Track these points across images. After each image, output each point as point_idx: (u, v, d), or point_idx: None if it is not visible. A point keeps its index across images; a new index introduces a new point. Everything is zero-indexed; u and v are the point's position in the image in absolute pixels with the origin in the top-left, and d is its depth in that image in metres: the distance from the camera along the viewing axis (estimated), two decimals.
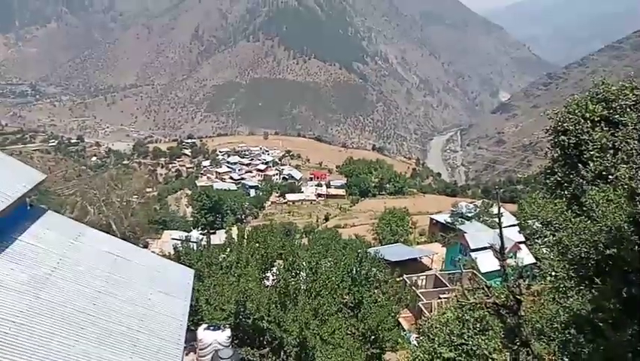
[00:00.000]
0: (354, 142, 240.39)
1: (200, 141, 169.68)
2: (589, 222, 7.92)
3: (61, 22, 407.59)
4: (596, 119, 11.85)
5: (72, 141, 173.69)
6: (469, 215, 48.71)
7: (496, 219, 7.39)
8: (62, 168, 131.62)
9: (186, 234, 56.53)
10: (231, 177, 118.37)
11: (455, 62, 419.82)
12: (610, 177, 10.09)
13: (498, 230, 7.08)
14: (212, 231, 57.91)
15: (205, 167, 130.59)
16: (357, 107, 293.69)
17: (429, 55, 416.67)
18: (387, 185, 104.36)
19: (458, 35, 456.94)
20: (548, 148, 13.15)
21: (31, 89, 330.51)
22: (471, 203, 55.19)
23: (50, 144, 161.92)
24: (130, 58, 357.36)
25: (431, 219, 57.83)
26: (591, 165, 10.79)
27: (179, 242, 20.34)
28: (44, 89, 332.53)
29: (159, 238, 61.61)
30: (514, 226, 31.72)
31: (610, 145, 11.05)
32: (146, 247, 58.47)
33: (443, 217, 53.20)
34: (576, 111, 12.12)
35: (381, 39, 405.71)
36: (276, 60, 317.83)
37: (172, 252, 17.92)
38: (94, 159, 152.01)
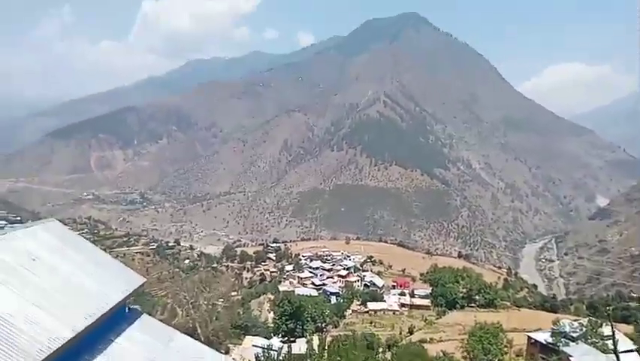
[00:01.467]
0: (439, 248, 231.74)
1: (285, 245, 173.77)
2: None
3: (170, 138, 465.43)
4: None
5: (169, 244, 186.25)
6: (574, 335, 42.91)
7: (609, 342, 6.50)
8: (158, 269, 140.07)
9: (267, 341, 55.71)
10: (313, 283, 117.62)
11: (543, 167, 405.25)
12: None
13: (612, 355, 6.99)
14: (292, 339, 56.51)
15: (288, 271, 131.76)
16: (440, 213, 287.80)
17: (514, 160, 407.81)
18: (477, 296, 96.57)
19: (544, 140, 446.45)
20: None
21: (140, 197, 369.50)
22: (575, 321, 48.91)
23: (151, 247, 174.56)
24: (226, 168, 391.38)
25: (529, 337, 51.55)
26: None
27: (260, 350, 20.13)
28: (151, 197, 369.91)
29: (240, 344, 61.09)
30: (632, 351, 27.41)
31: None
32: (227, 352, 58.10)
33: (543, 336, 47.28)
34: None
35: (462, 145, 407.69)
36: (358, 167, 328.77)
37: (253, 360, 17.71)
38: (187, 261, 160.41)
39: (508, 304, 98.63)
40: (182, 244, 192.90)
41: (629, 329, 52.57)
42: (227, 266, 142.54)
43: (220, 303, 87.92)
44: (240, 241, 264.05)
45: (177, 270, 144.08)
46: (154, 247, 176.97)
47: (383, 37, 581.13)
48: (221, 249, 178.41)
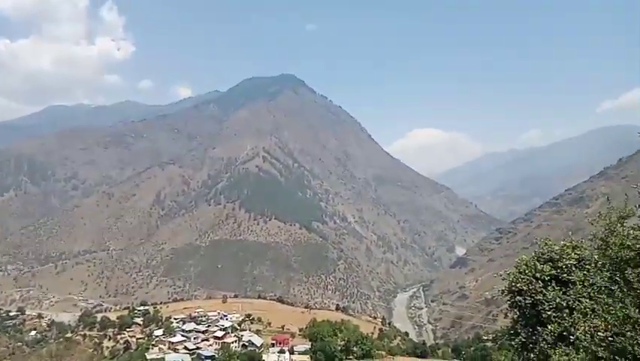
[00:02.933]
0: (317, 302, 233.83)
1: (154, 307, 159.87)
2: None
3: (19, 190, 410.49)
4: (546, 279, 12.35)
5: (10, 314, 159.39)
6: None
7: None
8: None
9: None
10: (186, 347, 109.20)
11: (410, 220, 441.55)
12: (571, 337, 10.15)
13: None
14: None
15: (157, 337, 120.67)
16: (318, 266, 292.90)
17: (384, 213, 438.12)
18: (354, 348, 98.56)
19: (410, 195, 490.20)
20: (507, 309, 13.29)
21: None
22: None
23: None
24: (87, 224, 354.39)
25: None
26: (550, 326, 10.90)
27: None
28: None
29: None
30: None
31: (564, 304, 11.35)
32: None
33: None
34: (527, 271, 12.66)
35: (338, 200, 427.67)
36: (237, 222, 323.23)
37: None
38: (33, 333, 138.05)
39: (384, 353, 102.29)
40: (27, 313, 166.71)
41: None
42: (85, 335, 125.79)
43: None
44: (102, 305, 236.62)
45: (20, 344, 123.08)
46: None
47: (262, 95, 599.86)
48: (77, 316, 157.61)
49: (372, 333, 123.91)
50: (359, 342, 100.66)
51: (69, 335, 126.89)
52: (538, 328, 11.42)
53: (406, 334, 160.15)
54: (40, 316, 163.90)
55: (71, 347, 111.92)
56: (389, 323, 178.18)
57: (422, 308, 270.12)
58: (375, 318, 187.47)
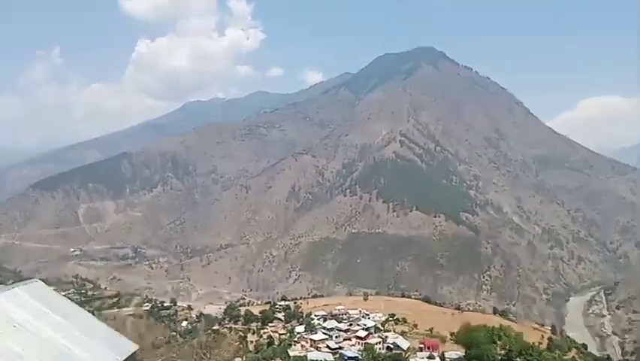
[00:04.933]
0: (470, 304, 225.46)
1: (294, 303, 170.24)
2: None
3: (166, 186, 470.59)
4: None
5: (165, 305, 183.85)
6: None
7: None
8: (153, 334, 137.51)
9: None
10: (328, 346, 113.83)
11: (583, 209, 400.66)
12: None
13: None
14: None
15: (299, 333, 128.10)
16: (470, 263, 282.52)
17: (550, 201, 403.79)
18: (518, 359, 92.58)
19: (582, 179, 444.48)
20: None
21: (132, 252, 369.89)
22: None
23: (144, 308, 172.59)
24: (227, 218, 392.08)
25: None
26: None
27: None
28: (145, 251, 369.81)
29: None
30: None
31: None
32: None
33: None
34: None
35: (490, 187, 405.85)
36: (375, 214, 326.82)
37: None
38: (184, 323, 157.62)
39: None
40: (179, 304, 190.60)
41: None
42: (230, 328, 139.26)
43: None
44: (244, 299, 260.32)
45: (174, 333, 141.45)
46: (148, 307, 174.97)
47: (397, 73, 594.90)
48: (223, 308, 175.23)
49: (540, 343, 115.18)
50: (523, 352, 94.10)
51: (216, 327, 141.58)
52: None
53: (584, 346, 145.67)
54: (189, 307, 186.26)
55: (219, 339, 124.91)
56: (561, 332, 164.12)
57: (604, 316, 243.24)
58: (542, 325, 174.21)
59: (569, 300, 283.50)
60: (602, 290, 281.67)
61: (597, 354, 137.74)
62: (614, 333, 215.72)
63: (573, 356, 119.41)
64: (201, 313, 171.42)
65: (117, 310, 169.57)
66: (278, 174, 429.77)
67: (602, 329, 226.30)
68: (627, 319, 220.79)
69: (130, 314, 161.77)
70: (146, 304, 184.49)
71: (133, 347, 16.83)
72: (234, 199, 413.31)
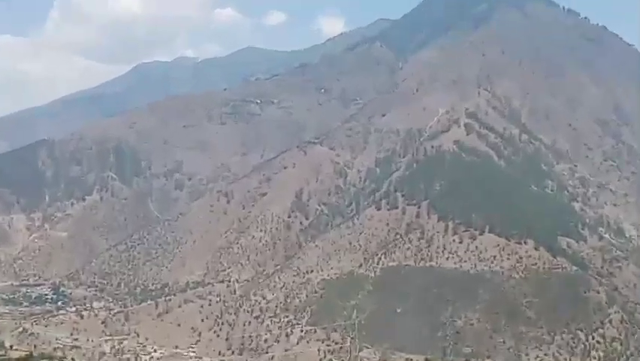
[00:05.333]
0: None
1: None
2: None
3: (105, 192, 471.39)
4: None
5: None
6: None
7: None
8: None
9: None
10: None
11: None
12: None
13: None
14: None
15: None
16: (572, 316, 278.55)
17: None
18: None
19: None
20: None
21: (52, 291, 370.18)
22: None
23: None
24: (198, 241, 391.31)
25: None
26: None
27: None
28: (71, 291, 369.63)
29: None
30: None
31: None
32: None
33: None
34: None
35: (606, 197, 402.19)
36: (425, 237, 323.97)
37: None
38: None
39: None
40: None
41: None
42: None
43: None
44: None
45: None
46: None
47: (462, 20, 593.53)
48: None
49: None
50: None
51: None
52: None
53: None
54: None
55: None
56: None
57: None
58: None
59: None
60: None
61: None
62: None
63: None
64: None
65: None
66: (276, 175, 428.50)
67: None
68: None
69: None
70: None
71: None
72: (208, 213, 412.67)
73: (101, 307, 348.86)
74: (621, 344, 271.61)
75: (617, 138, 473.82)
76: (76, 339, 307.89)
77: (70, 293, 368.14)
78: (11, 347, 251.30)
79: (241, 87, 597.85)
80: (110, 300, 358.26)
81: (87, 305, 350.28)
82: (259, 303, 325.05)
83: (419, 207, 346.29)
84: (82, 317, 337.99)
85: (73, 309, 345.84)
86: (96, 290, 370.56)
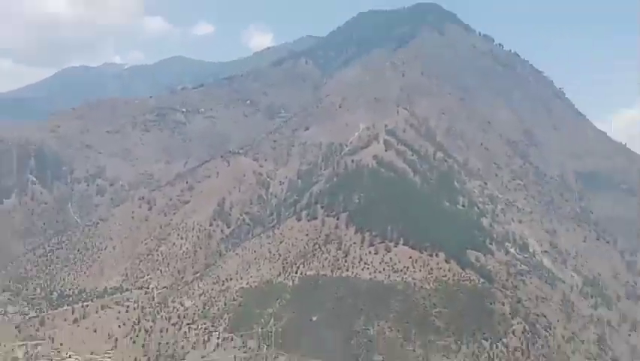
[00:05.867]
0: None
1: None
2: None
3: (24, 195, 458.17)
4: None
5: None
6: None
7: None
8: None
9: None
10: None
11: None
12: None
13: None
14: None
15: None
16: (478, 326, 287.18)
17: (597, 238, 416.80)
18: None
19: None
20: None
21: None
22: None
23: None
24: (117, 247, 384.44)
25: None
26: None
27: None
28: None
29: None
30: None
31: None
32: None
33: None
34: None
35: (513, 213, 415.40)
36: (342, 248, 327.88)
37: None
38: None
39: None
40: None
41: None
42: None
43: None
44: None
45: None
46: None
47: (384, 40, 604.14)
48: None
49: None
50: None
51: None
52: None
53: None
54: None
55: None
56: None
57: None
58: None
59: None
60: None
61: None
62: None
63: None
64: None
65: None
66: (199, 183, 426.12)
67: None
68: None
69: None
70: None
71: None
72: (129, 219, 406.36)
73: (15, 312, 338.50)
74: (522, 354, 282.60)
75: (525, 158, 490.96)
76: None
77: None
78: None
79: (167, 96, 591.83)
80: (25, 304, 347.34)
81: (0, 310, 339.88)
82: (177, 310, 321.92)
83: (338, 219, 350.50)
84: None
85: None
86: (11, 295, 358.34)
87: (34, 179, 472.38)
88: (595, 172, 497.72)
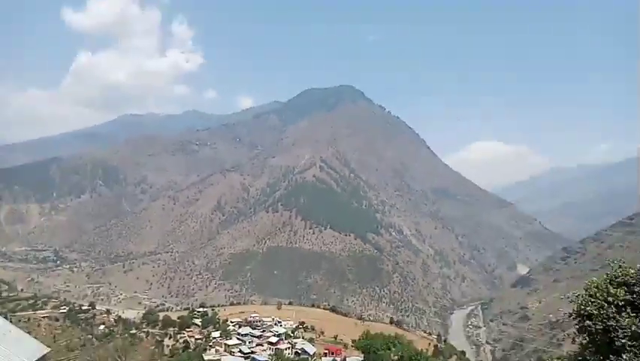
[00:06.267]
0: (371, 314, 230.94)
1: (212, 310, 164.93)
2: None
3: (94, 193, 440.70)
4: (620, 304, 11.44)
5: (83, 308, 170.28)
6: None
7: None
8: (68, 336, 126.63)
9: None
10: (241, 351, 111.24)
11: (469, 235, 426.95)
12: None
13: None
14: None
15: (214, 338, 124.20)
16: (372, 278, 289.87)
17: (442, 227, 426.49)
18: None
19: (469, 210, 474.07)
20: (575, 333, 12.43)
21: (54, 255, 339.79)
22: None
23: (61, 311, 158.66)
24: (153, 227, 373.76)
25: None
26: (624, 356, 10.06)
27: None
28: (66, 255, 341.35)
29: None
30: None
31: None
32: None
33: None
34: (598, 295, 11.80)
35: (394, 212, 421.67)
36: (293, 230, 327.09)
37: None
38: (102, 327, 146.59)
39: None
40: (97, 308, 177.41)
41: None
42: (147, 333, 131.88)
43: None
44: (164, 304, 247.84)
45: (90, 337, 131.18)
46: (64, 310, 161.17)
47: (321, 106, 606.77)
48: (141, 313, 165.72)
49: (427, 350, 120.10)
50: (413, 358, 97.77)
51: (133, 331, 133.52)
52: (611, 357, 10.58)
53: (463, 353, 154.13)
54: (108, 311, 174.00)
55: (135, 343, 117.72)
56: (445, 341, 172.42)
57: (480, 327, 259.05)
58: (430, 334, 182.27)
59: (453, 313, 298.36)
60: (480, 305, 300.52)
61: (473, 359, 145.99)
62: (487, 342, 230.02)
63: None
64: (119, 317, 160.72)
65: (32, 312, 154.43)
66: (206, 188, 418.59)
67: (478, 338, 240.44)
68: (498, 330, 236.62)
69: (45, 317, 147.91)
70: (64, 307, 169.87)
71: (43, 350, 15.72)
72: (161, 209, 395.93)
73: (86, 266, 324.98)
74: (398, 295, 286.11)
75: (401, 179, 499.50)
76: (68, 286, 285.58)
77: (66, 256, 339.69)
78: (22, 290, 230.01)
79: (187, 134, 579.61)
80: (93, 261, 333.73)
81: (77, 265, 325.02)
82: (190, 266, 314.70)
83: (291, 213, 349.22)
84: (73, 271, 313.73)
85: (67, 267, 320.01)
86: (84, 255, 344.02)
87: (101, 183, 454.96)
88: (442, 188, 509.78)
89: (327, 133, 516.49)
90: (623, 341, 10.64)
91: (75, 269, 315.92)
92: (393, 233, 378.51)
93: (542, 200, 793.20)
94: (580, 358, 12.16)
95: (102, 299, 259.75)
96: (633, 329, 10.69)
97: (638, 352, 10.01)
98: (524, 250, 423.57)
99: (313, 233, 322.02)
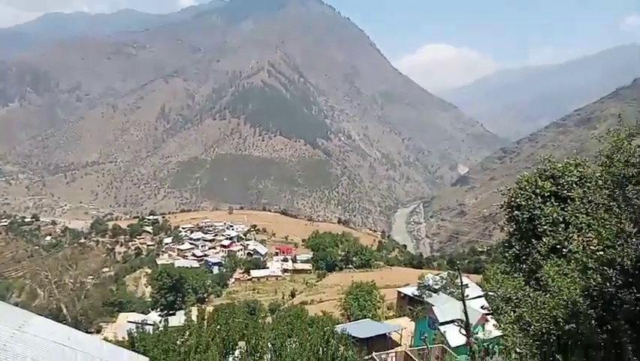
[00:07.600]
0: (320, 215, 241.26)
1: (163, 217, 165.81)
2: (547, 296, 8.00)
3: (24, 101, 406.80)
4: (546, 195, 12.44)
5: (26, 220, 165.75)
6: (436, 287, 47.97)
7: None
8: (13, 248, 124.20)
9: (144, 316, 53.31)
10: (194, 254, 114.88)
11: (415, 138, 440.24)
12: (563, 250, 10.44)
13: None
14: (171, 312, 54.67)
15: (167, 244, 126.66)
16: (322, 182, 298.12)
17: (389, 132, 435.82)
18: (354, 258, 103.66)
19: (416, 113, 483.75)
20: (504, 223, 13.58)
21: None
22: (437, 275, 54.69)
23: (2, 224, 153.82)
24: (93, 136, 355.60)
25: (399, 292, 56.72)
26: (545, 239, 11.16)
27: (134, 326, 19.07)
28: (1, 167, 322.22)
29: (114, 322, 57.68)
30: (480, 297, 31.69)
31: (561, 219, 11.53)
32: (99, 331, 54.49)
33: (411, 290, 52.41)
34: (527, 187, 12.73)
35: (343, 117, 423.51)
36: (242, 137, 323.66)
37: (126, 337, 16.86)
38: (48, 238, 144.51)
39: (382, 263, 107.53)
40: (41, 220, 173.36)
41: (479, 278, 60.65)
42: (97, 241, 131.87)
43: (90, 281, 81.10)
44: (112, 214, 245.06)
45: (37, 248, 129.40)
46: (5, 223, 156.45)
47: (268, 6, 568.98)
48: (89, 223, 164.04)
49: (372, 245, 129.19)
50: (358, 253, 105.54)
51: (82, 240, 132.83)
52: (533, 241, 11.74)
53: (404, 247, 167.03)
54: (54, 222, 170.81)
55: (85, 251, 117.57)
56: (388, 236, 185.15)
57: (421, 223, 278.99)
58: (375, 231, 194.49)
59: (396, 212, 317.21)
60: (422, 203, 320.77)
61: (413, 253, 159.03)
62: (427, 236, 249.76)
63: (396, 255, 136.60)
64: (66, 228, 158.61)
65: None
66: (147, 95, 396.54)
67: (419, 233, 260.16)
68: (437, 225, 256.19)
69: None
70: (4, 219, 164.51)
71: None
72: (100, 118, 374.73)
73: (24, 178, 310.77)
74: (346, 197, 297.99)
75: (351, 83, 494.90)
76: (6, 199, 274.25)
77: (0, 169, 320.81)
78: None
79: (122, 35, 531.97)
80: (31, 173, 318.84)
81: (14, 177, 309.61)
82: (137, 175, 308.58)
83: (239, 119, 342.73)
84: (10, 184, 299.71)
85: (3, 179, 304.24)
86: (21, 166, 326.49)
87: (30, 89, 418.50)
88: (390, 92, 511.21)
89: (274, 35, 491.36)
90: (545, 227, 11.76)
91: (12, 182, 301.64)
92: (343, 138, 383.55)
93: (486, 102, 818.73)
94: (506, 244, 13.39)
95: (45, 211, 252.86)
96: (555, 216, 11.77)
97: (556, 235, 11.15)
98: (466, 151, 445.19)
99: (263, 140, 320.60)
